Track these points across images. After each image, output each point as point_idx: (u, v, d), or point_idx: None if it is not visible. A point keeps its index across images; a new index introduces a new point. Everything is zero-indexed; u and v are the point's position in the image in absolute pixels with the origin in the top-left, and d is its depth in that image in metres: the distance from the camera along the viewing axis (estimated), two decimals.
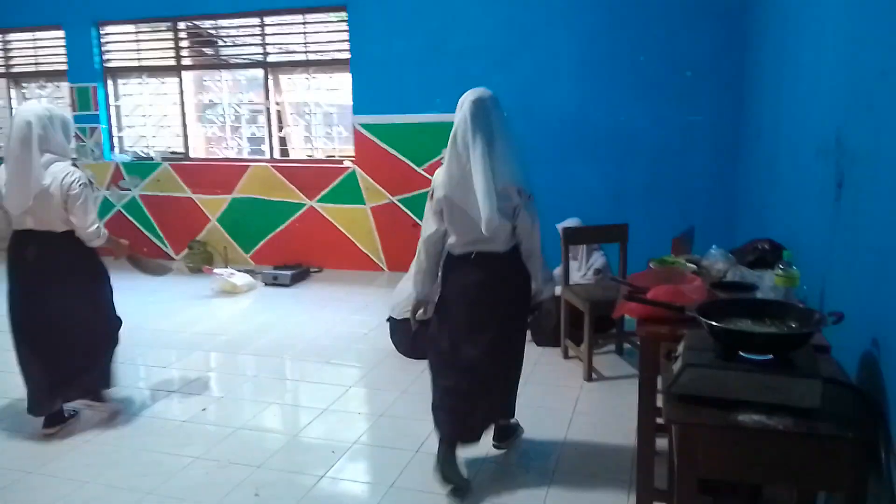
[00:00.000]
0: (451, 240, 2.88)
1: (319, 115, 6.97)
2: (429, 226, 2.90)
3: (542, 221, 2.96)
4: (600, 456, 3.13)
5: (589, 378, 3.96)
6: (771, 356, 1.75)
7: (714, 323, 1.79)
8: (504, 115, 2.90)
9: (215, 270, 6.24)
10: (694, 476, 1.74)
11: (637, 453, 2.60)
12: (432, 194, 2.86)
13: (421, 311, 3.14)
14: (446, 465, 2.85)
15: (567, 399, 3.73)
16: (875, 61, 1.89)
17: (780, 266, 2.37)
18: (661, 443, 2.63)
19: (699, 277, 2.62)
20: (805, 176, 2.80)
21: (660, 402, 2.40)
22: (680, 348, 1.92)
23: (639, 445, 2.58)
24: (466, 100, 2.84)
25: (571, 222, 4.74)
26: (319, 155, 7.00)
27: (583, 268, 4.69)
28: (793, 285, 2.35)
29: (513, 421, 3.26)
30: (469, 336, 2.91)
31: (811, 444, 1.62)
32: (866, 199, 1.90)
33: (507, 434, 3.23)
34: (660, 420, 2.62)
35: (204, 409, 3.72)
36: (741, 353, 1.78)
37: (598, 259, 4.67)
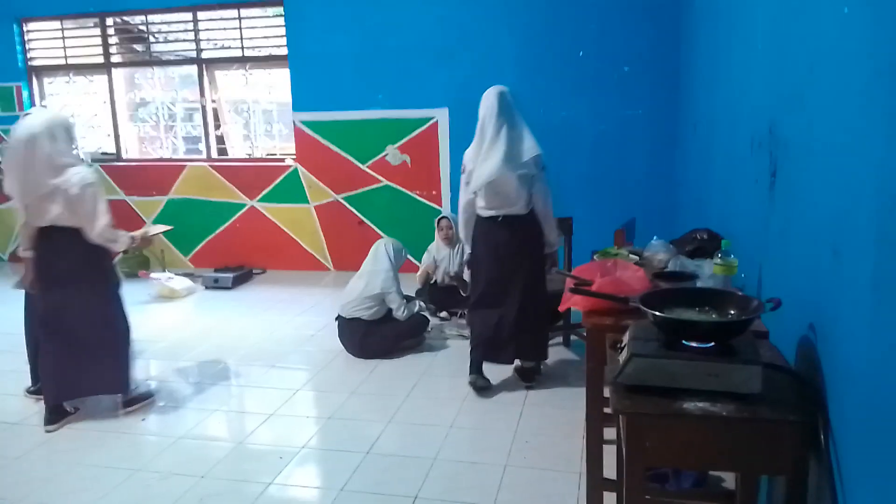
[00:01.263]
0: (480, 204, 3.65)
1: (258, 112, 6.82)
2: (463, 195, 3.71)
3: None
4: (551, 448, 3.15)
5: (538, 371, 3.98)
6: (713, 344, 1.78)
7: (657, 313, 1.81)
8: (520, 104, 3.67)
9: (152, 275, 6.03)
10: (642, 465, 1.76)
11: (586, 444, 2.62)
12: (464, 168, 3.66)
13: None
14: (478, 376, 3.77)
15: (517, 393, 3.74)
16: (804, 56, 1.94)
17: (719, 255, 2.42)
18: (609, 433, 2.66)
19: (641, 268, 2.66)
20: (740, 166, 2.87)
21: (607, 393, 2.43)
22: (625, 339, 1.94)
23: (587, 436, 2.61)
24: (491, 93, 3.60)
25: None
26: (259, 153, 6.85)
27: None
28: (731, 273, 2.41)
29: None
30: (500, 283, 3.68)
31: (753, 429, 1.65)
32: (799, 187, 1.95)
33: (535, 372, 3.91)
34: (607, 410, 2.66)
35: (143, 420, 3.59)
36: (684, 342, 1.81)
37: None
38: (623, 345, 1.92)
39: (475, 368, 3.80)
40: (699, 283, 2.50)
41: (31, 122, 3.32)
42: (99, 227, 3.35)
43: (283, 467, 3.05)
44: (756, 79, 2.63)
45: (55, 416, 3.50)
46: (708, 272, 2.57)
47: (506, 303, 3.69)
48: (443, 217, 5.07)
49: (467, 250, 3.87)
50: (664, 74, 5.48)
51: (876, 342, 1.35)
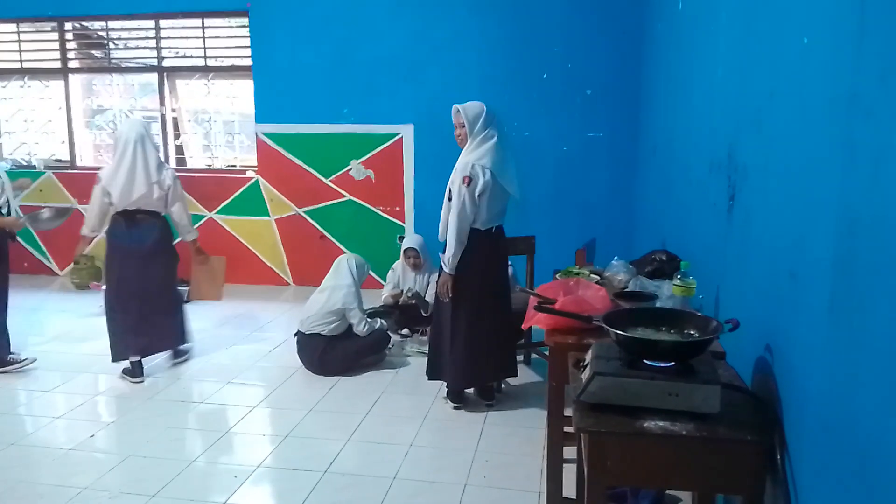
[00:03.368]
0: (482, 216, 3.50)
1: (219, 123, 6.73)
2: (470, 209, 3.45)
3: None
4: (511, 467, 3.14)
5: (499, 389, 3.98)
6: (673, 363, 1.81)
7: (620, 332, 1.83)
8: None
9: (104, 287, 5.85)
10: (604, 483, 1.77)
11: (546, 463, 2.62)
12: (469, 180, 3.40)
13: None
14: (458, 398, 3.77)
15: (477, 411, 3.73)
16: (763, 83, 2.00)
17: (678, 276, 2.46)
18: (569, 451, 2.67)
19: (603, 287, 2.69)
20: (699, 190, 2.94)
21: (568, 412, 2.44)
22: (588, 357, 1.95)
23: (548, 455, 2.61)
24: (485, 107, 3.54)
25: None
26: (220, 164, 6.74)
27: None
28: (690, 294, 2.45)
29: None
30: (489, 301, 3.62)
31: (712, 448, 1.67)
32: (757, 211, 2.00)
33: (497, 390, 3.92)
34: (568, 429, 2.67)
35: (92, 436, 3.47)
36: (645, 361, 1.83)
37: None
38: (585, 363, 1.93)
39: (457, 397, 3.77)
40: (658, 304, 2.54)
41: (136, 127, 4.12)
42: (187, 213, 4.33)
43: (237, 487, 2.97)
44: (716, 104, 2.70)
45: (139, 369, 4.18)
46: (667, 293, 2.61)
47: (490, 320, 3.64)
48: (410, 248, 5.01)
49: (448, 270, 3.53)
50: (626, 98, 5.59)
51: (832, 364, 1.39)
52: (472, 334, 3.60)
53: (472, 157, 3.46)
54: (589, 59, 5.67)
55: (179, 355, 4.50)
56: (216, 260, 4.72)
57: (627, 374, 1.79)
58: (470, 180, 3.42)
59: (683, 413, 1.72)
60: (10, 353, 4.33)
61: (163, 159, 4.39)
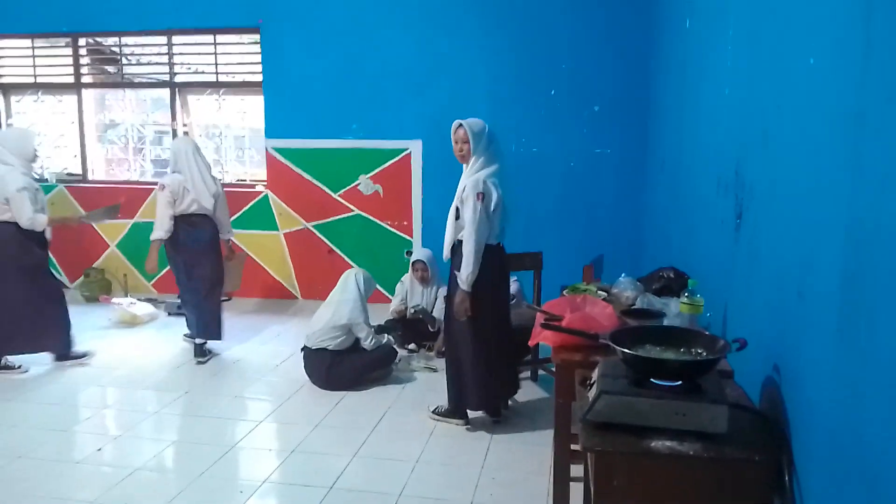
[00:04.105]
0: (494, 231, 3.52)
1: (230, 137, 6.78)
2: (486, 225, 3.43)
3: None
4: (518, 484, 3.12)
5: (505, 406, 3.96)
6: (680, 382, 1.80)
7: (627, 350, 1.82)
8: None
9: (113, 300, 5.89)
10: (610, 502, 1.75)
11: (553, 481, 2.61)
12: (483, 196, 3.38)
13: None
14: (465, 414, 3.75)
15: (482, 428, 3.71)
16: (770, 102, 2.01)
17: (686, 294, 2.46)
18: (576, 469, 2.65)
19: (610, 305, 2.68)
20: (707, 207, 2.94)
21: (575, 429, 2.43)
22: (595, 375, 1.95)
23: (554, 473, 2.60)
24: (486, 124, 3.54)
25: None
26: (230, 179, 6.79)
27: None
28: (697, 312, 2.45)
29: None
30: (501, 316, 3.66)
31: (719, 468, 1.66)
32: (765, 229, 2.00)
33: (505, 406, 3.91)
34: (575, 447, 2.65)
35: (99, 450, 3.47)
36: (653, 380, 1.82)
37: (511, 284, 4.71)
38: (592, 381, 1.93)
39: (465, 413, 3.74)
40: (665, 321, 2.54)
41: (190, 142, 4.88)
42: (228, 215, 5.00)
43: (243, 502, 2.97)
44: (723, 123, 2.71)
45: (204, 351, 4.83)
46: (674, 310, 2.61)
47: (499, 336, 3.65)
48: (418, 260, 5.02)
49: (466, 287, 3.44)
50: (633, 114, 5.61)
51: (840, 383, 1.38)
52: (490, 351, 3.60)
53: (483, 174, 3.44)
54: (597, 75, 5.69)
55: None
56: (240, 256, 5.49)
57: (634, 393, 1.78)
58: (484, 196, 3.40)
59: (691, 433, 1.71)
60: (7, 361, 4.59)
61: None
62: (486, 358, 3.58)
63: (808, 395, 1.58)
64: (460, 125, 3.48)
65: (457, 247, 3.52)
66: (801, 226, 1.66)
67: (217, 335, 4.88)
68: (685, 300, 2.46)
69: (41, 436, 3.62)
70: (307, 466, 3.31)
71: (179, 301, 5.40)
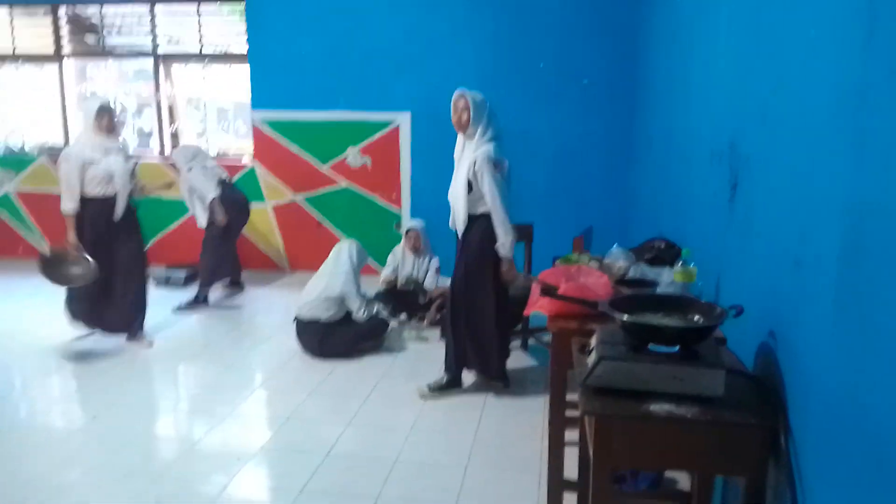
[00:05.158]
0: None
1: (215, 109, 6.70)
2: (506, 191, 3.53)
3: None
4: (511, 449, 3.19)
5: None
6: (677, 348, 1.85)
7: (626, 317, 1.86)
8: None
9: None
10: (609, 466, 1.81)
11: (548, 445, 2.67)
12: (498, 165, 3.47)
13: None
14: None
15: (476, 396, 3.77)
16: (768, 75, 2.03)
17: (680, 263, 2.50)
18: (570, 435, 2.71)
19: (605, 274, 2.72)
20: (699, 179, 2.98)
21: (570, 396, 2.49)
22: (593, 342, 1.99)
23: (549, 438, 2.65)
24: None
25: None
26: (215, 151, 6.72)
27: None
28: (690, 281, 2.49)
29: None
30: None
31: (716, 432, 1.71)
32: (760, 200, 2.04)
33: None
34: (569, 413, 2.71)
35: (94, 417, 3.48)
36: (650, 346, 1.87)
37: None
38: (591, 348, 1.97)
39: (460, 382, 3.82)
40: (659, 290, 2.58)
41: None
42: None
43: (239, 469, 3.00)
44: (717, 96, 2.73)
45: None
46: (667, 280, 2.65)
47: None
48: (411, 228, 5.03)
49: (510, 254, 3.56)
50: (624, 88, 5.62)
51: (838, 350, 1.43)
52: (505, 318, 3.72)
53: (492, 146, 3.50)
54: (585, 48, 5.69)
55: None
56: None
57: (633, 359, 1.83)
58: (499, 164, 3.49)
59: (688, 397, 1.76)
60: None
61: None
62: (502, 325, 3.71)
63: (804, 361, 1.63)
64: (462, 94, 3.53)
65: (472, 220, 3.56)
66: (800, 196, 1.69)
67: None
68: (679, 269, 2.50)
69: (31, 406, 3.60)
70: (302, 434, 3.35)
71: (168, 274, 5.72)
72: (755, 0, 2.24)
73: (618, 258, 3.20)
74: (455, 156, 3.67)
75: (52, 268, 4.20)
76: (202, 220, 5.46)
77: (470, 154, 3.51)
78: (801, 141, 1.70)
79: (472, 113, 3.50)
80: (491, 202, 3.47)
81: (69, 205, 4.18)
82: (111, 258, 4.28)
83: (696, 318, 1.94)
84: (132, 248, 4.41)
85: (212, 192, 5.33)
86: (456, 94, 3.56)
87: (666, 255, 3.16)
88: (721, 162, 2.52)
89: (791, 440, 1.67)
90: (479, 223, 3.54)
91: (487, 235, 3.54)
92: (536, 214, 4.97)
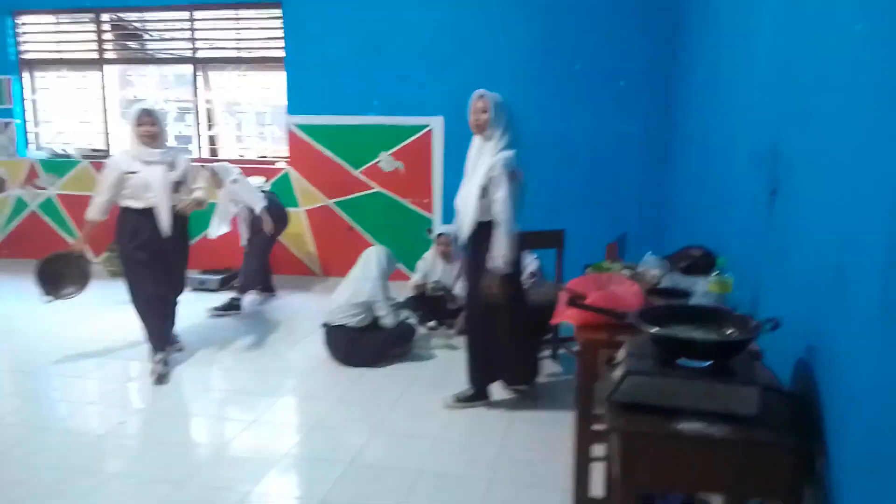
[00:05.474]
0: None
1: (252, 114, 6.76)
2: (517, 203, 3.39)
3: None
4: (537, 464, 3.09)
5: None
6: (709, 363, 1.74)
7: (656, 329, 1.77)
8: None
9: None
10: (634, 485, 1.72)
11: (573, 461, 2.57)
12: (514, 175, 3.34)
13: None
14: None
15: (503, 407, 3.68)
16: (810, 73, 1.92)
17: (715, 272, 2.39)
18: (597, 450, 2.61)
19: (637, 283, 2.62)
20: (737, 184, 2.85)
21: (597, 410, 2.39)
22: (620, 355, 1.90)
23: (575, 453, 2.56)
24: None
25: None
26: (251, 155, 6.78)
27: None
28: (726, 291, 2.38)
29: None
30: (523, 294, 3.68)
31: (749, 452, 1.61)
32: (802, 206, 1.93)
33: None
34: (595, 427, 2.61)
35: (122, 422, 3.50)
36: (680, 360, 1.77)
37: (532, 262, 4.66)
38: (618, 361, 1.88)
39: (486, 395, 3.70)
40: (693, 301, 2.47)
41: None
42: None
43: (263, 476, 2.98)
44: (757, 96, 2.61)
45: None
46: (702, 290, 2.54)
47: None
48: (442, 233, 4.97)
49: (507, 267, 3.36)
50: (661, 90, 5.48)
51: (881, 366, 1.32)
52: (522, 326, 3.62)
53: (511, 153, 3.35)
54: (623, 49, 5.56)
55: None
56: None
57: (662, 374, 1.73)
58: (515, 175, 3.36)
59: (720, 415, 1.66)
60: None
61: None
62: (524, 333, 3.60)
63: (845, 378, 1.52)
64: (482, 95, 3.41)
65: (481, 227, 3.39)
66: (843, 202, 1.58)
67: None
68: (714, 279, 2.39)
69: (65, 408, 3.64)
70: (327, 442, 3.31)
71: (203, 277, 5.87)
72: None
73: (651, 266, 3.09)
74: (468, 160, 3.52)
75: (50, 274, 4.19)
76: (242, 236, 5.58)
77: (487, 158, 3.36)
78: (845, 141, 1.59)
79: (492, 114, 3.36)
80: (500, 213, 3.30)
81: (91, 211, 4.06)
82: (162, 271, 4.12)
83: (730, 331, 1.84)
84: (179, 263, 4.28)
85: (261, 202, 5.38)
86: (475, 94, 3.44)
87: (702, 263, 3.03)
88: (760, 166, 2.40)
89: (829, 463, 1.56)
90: (489, 230, 3.36)
91: None
92: (569, 220, 4.86)
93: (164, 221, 4.02)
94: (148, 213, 4.01)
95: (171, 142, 6.89)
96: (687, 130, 4.72)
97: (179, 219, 4.12)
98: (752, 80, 2.72)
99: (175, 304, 4.32)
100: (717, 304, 2.35)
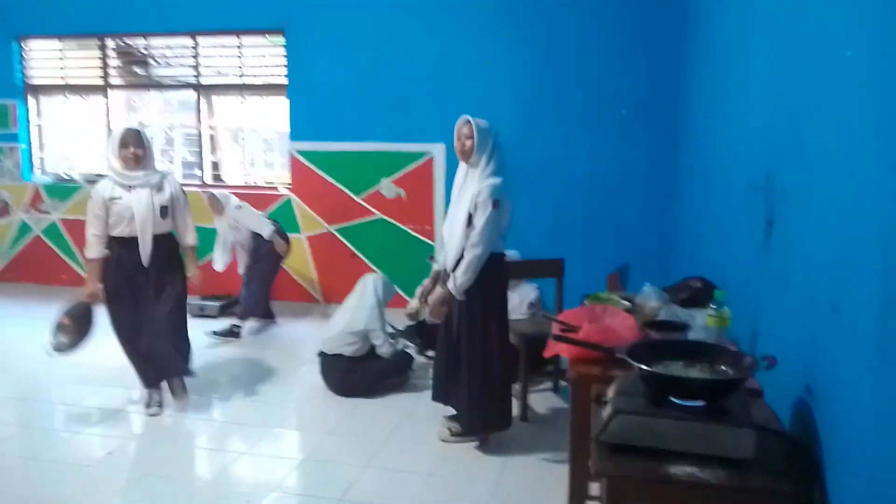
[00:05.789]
0: (503, 239, 3.39)
1: (255, 140, 6.77)
2: (496, 233, 3.28)
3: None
4: (534, 502, 2.99)
5: (524, 418, 3.83)
6: (702, 402, 1.67)
7: (644, 367, 1.69)
8: None
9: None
10: None
11: (568, 502, 2.48)
12: (498, 204, 3.23)
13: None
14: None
15: (502, 440, 3.58)
16: (802, 103, 1.87)
17: (713, 306, 2.31)
18: (596, 488, 2.52)
19: (632, 316, 2.55)
20: (736, 213, 2.79)
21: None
22: (610, 392, 1.82)
23: (570, 494, 2.47)
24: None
25: (510, 254, 4.65)
26: (253, 181, 6.78)
27: (513, 300, 4.58)
28: (724, 325, 2.30)
29: None
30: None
31: (744, 499, 1.53)
32: (796, 238, 1.86)
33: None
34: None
35: (109, 453, 3.43)
36: (672, 399, 1.69)
37: (531, 292, 4.58)
38: (607, 399, 1.80)
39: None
40: (691, 334, 2.39)
41: None
42: None
43: None
44: (753, 123, 2.56)
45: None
46: (701, 323, 2.46)
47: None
48: None
49: (458, 294, 3.29)
50: (662, 118, 5.44)
51: (881, 408, 1.24)
52: (507, 365, 3.45)
53: (498, 181, 3.28)
54: (625, 78, 5.54)
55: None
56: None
57: (651, 413, 1.66)
58: (499, 204, 3.26)
59: (713, 458, 1.58)
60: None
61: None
62: (505, 373, 3.43)
63: (843, 419, 1.44)
64: (468, 121, 3.35)
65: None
66: (836, 234, 1.51)
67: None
68: (712, 312, 2.31)
69: (51, 437, 3.57)
70: (317, 476, 3.23)
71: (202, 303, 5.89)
72: (790, 19, 2.08)
73: (650, 298, 3.00)
74: (454, 187, 3.47)
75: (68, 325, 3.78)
76: (241, 262, 5.58)
77: (473, 185, 3.29)
78: (838, 171, 1.53)
79: (476, 140, 3.29)
80: (474, 237, 3.21)
81: (88, 249, 3.72)
82: (147, 305, 3.77)
83: (724, 368, 1.76)
84: (170, 297, 3.82)
85: (268, 225, 5.41)
86: (460, 120, 3.39)
87: (702, 295, 2.95)
88: (757, 195, 2.34)
89: None
90: None
91: (485, 275, 3.28)
92: (571, 248, 4.81)
93: (145, 249, 3.69)
94: (133, 243, 3.69)
95: (177, 168, 6.95)
96: (689, 159, 4.67)
97: (166, 247, 3.81)
98: (748, 107, 2.68)
99: (167, 341, 3.82)
100: (716, 338, 2.27)
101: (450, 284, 3.31)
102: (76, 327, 3.82)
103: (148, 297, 3.76)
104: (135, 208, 3.66)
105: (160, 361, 3.88)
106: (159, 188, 3.78)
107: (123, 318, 3.77)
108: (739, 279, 2.59)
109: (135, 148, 3.68)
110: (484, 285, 3.30)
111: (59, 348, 3.81)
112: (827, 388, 1.57)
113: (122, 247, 3.71)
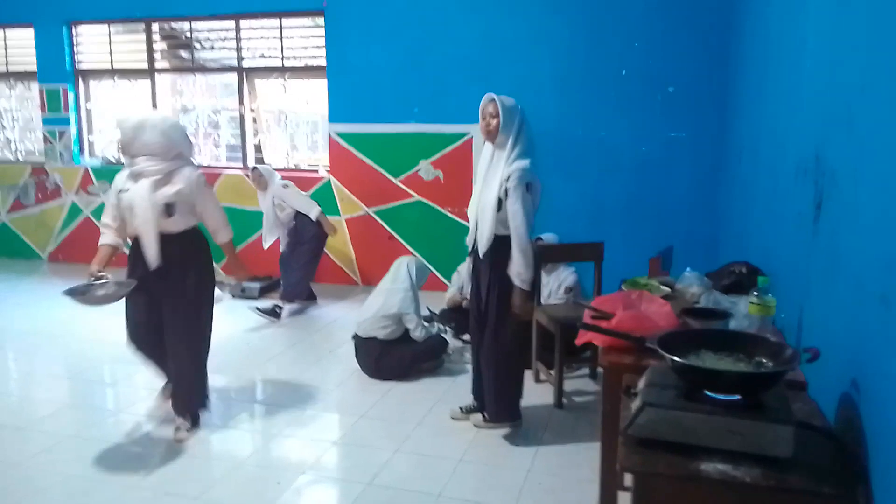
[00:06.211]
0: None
1: (296, 122, 6.79)
2: (532, 216, 3.21)
3: None
4: (565, 492, 2.92)
5: (559, 405, 3.76)
6: (738, 396, 1.57)
7: (676, 358, 1.60)
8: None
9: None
10: None
11: (599, 492, 2.40)
12: (530, 187, 3.16)
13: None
14: None
15: (534, 427, 3.51)
16: (854, 78, 1.73)
17: (755, 293, 2.19)
18: (629, 478, 2.43)
19: (668, 303, 2.44)
20: (784, 196, 2.63)
21: None
22: (640, 384, 1.73)
23: (601, 485, 2.39)
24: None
25: (548, 238, 4.56)
26: (294, 163, 6.80)
27: (551, 284, 4.49)
28: (768, 314, 2.18)
29: None
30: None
31: (781, 500, 1.43)
32: (846, 222, 1.73)
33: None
34: None
35: (147, 433, 3.49)
36: (707, 392, 1.60)
37: (568, 277, 4.48)
38: (637, 390, 1.72)
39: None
40: (733, 323, 2.27)
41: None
42: None
43: (279, 495, 2.90)
44: (803, 100, 2.40)
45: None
46: (743, 311, 2.33)
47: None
48: None
49: (527, 286, 3.19)
50: (711, 96, 5.22)
51: None
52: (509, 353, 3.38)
53: (527, 162, 3.17)
54: (672, 54, 5.33)
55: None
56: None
57: (683, 407, 1.56)
58: (531, 186, 3.17)
59: (749, 455, 1.48)
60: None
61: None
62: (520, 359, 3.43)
63: (891, 417, 1.33)
64: (492, 99, 3.20)
65: (499, 242, 3.19)
66: (889, 219, 1.39)
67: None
68: (754, 300, 2.19)
69: (88, 415, 3.66)
70: (348, 460, 3.22)
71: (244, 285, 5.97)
72: None
73: (691, 283, 2.89)
74: (480, 167, 3.34)
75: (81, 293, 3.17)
76: (282, 242, 5.64)
77: (502, 168, 3.17)
78: (891, 150, 1.40)
79: (501, 119, 3.15)
80: (515, 228, 3.11)
81: (102, 237, 3.39)
82: (161, 312, 3.38)
83: (764, 360, 1.66)
84: (186, 304, 3.37)
85: (315, 207, 5.46)
86: (485, 98, 3.25)
87: (746, 281, 2.81)
88: (806, 177, 2.19)
89: None
90: (508, 245, 3.16)
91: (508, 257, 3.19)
92: (612, 232, 4.68)
93: (150, 250, 3.23)
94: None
95: (222, 151, 7.01)
96: (738, 139, 4.47)
97: (180, 248, 3.33)
98: (798, 83, 2.51)
99: (184, 360, 3.43)
100: (758, 327, 2.15)
101: (516, 282, 3.18)
102: (111, 289, 3.22)
103: (161, 306, 3.37)
104: (134, 201, 3.21)
105: (173, 385, 3.55)
106: (167, 181, 3.25)
107: (134, 324, 3.43)
108: (786, 265, 2.45)
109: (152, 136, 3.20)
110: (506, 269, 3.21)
111: (76, 293, 3.18)
112: (875, 383, 1.46)
113: (137, 246, 3.30)
